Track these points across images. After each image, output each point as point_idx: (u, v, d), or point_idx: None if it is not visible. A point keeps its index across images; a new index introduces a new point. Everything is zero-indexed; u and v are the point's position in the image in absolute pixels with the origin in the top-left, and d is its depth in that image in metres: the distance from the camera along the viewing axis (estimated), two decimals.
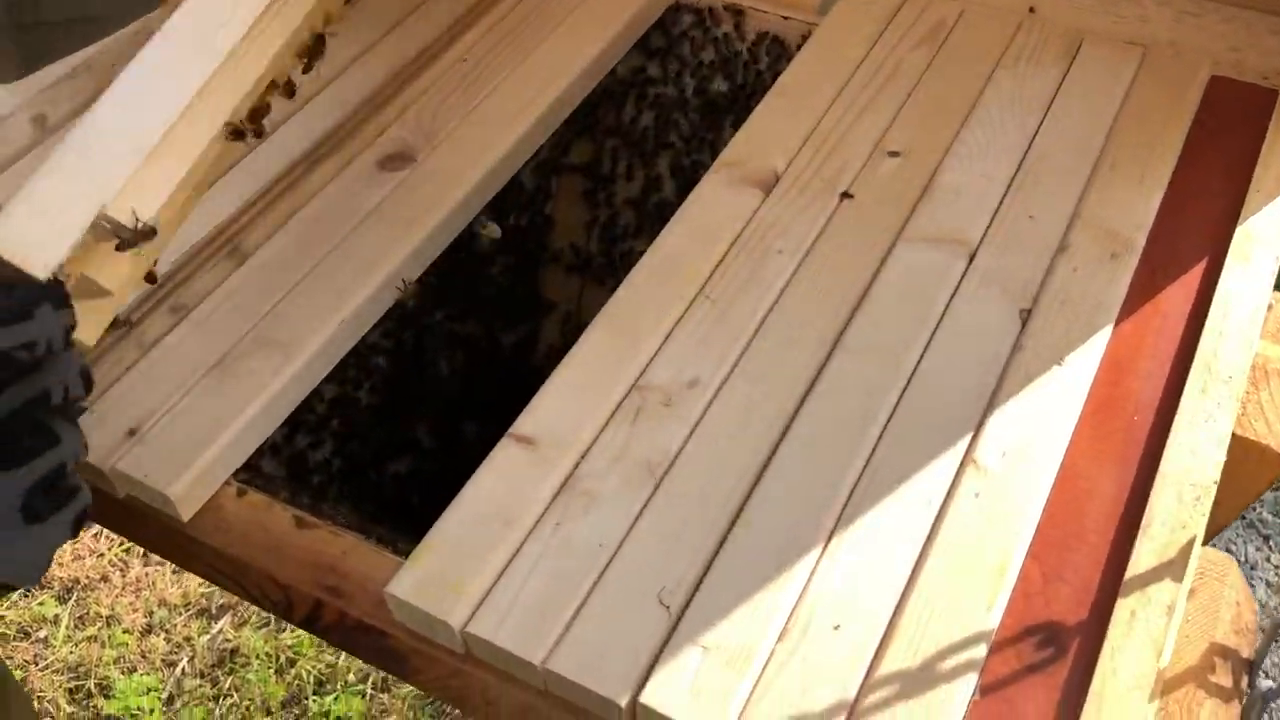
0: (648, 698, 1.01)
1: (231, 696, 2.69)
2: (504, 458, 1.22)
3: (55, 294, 0.84)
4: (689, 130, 1.90)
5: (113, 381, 1.33)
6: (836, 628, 1.04)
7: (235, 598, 2.04)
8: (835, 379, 1.25)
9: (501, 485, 1.19)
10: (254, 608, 2.35)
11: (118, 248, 1.07)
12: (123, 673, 2.75)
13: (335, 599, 1.21)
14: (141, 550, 2.90)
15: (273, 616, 2.57)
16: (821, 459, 1.18)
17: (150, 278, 1.22)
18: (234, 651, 2.77)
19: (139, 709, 2.71)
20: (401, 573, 1.14)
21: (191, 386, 1.32)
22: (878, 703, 1.00)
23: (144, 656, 2.78)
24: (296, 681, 2.69)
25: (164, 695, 2.72)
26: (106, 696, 2.72)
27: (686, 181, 1.92)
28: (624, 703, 1.02)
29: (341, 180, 1.51)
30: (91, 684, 2.73)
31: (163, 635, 2.79)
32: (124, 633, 2.79)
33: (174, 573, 2.88)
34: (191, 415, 1.29)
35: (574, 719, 1.07)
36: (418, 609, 1.11)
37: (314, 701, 2.65)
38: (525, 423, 1.24)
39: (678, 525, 1.13)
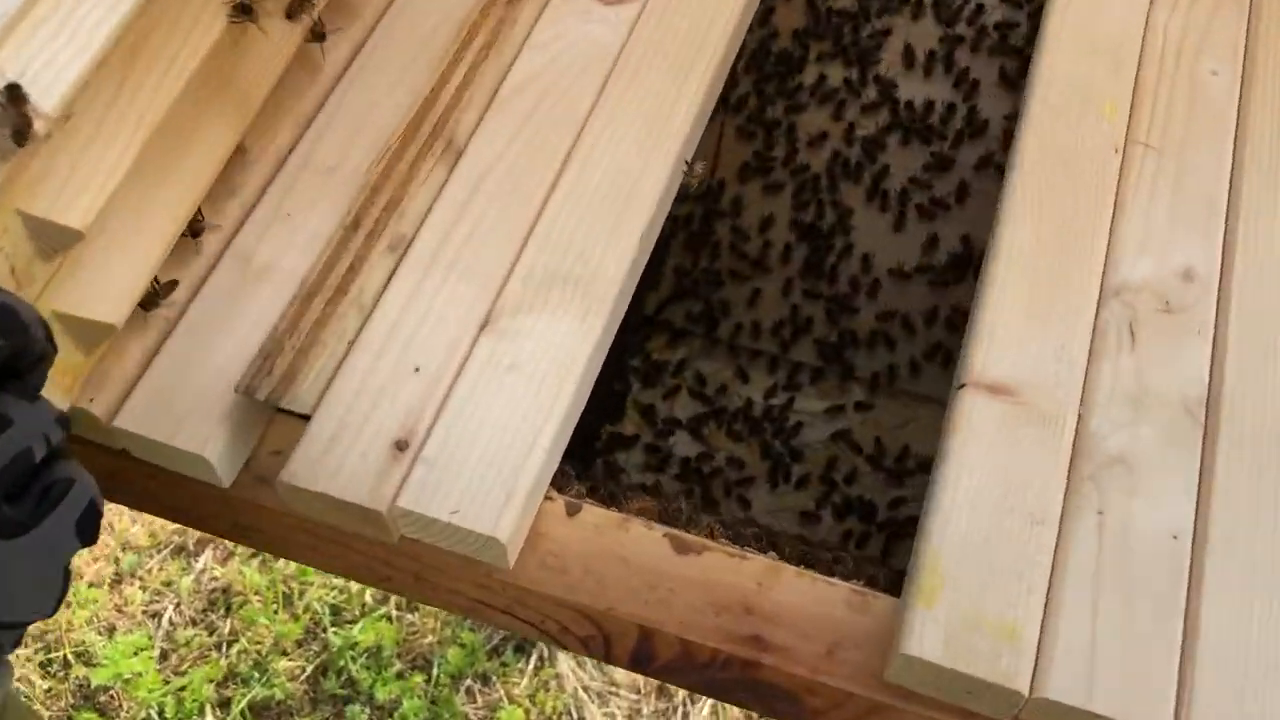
0: None
1: (237, 641, 2.26)
2: (980, 419, 0.86)
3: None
4: None
5: (339, 362, 0.88)
6: None
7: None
8: None
9: (999, 460, 0.84)
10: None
11: None
12: (100, 634, 2.27)
13: (763, 653, 0.84)
14: None
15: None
16: None
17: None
18: (226, 590, 2.33)
19: (132, 674, 2.26)
20: (913, 621, 0.78)
21: (465, 357, 0.88)
22: None
23: (121, 611, 2.30)
24: (308, 614, 2.28)
25: (155, 653, 2.27)
26: (89, 664, 2.25)
27: None
28: None
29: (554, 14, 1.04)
30: (67, 652, 2.24)
31: (137, 584, 2.31)
32: (90, 587, 2.30)
33: (131, 510, 2.38)
34: (481, 405, 0.86)
35: None
36: (957, 673, 0.77)
37: (334, 634, 2.26)
38: (987, 364, 0.88)
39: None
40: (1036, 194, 0.96)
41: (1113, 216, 0.95)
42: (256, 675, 2.25)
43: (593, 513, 0.88)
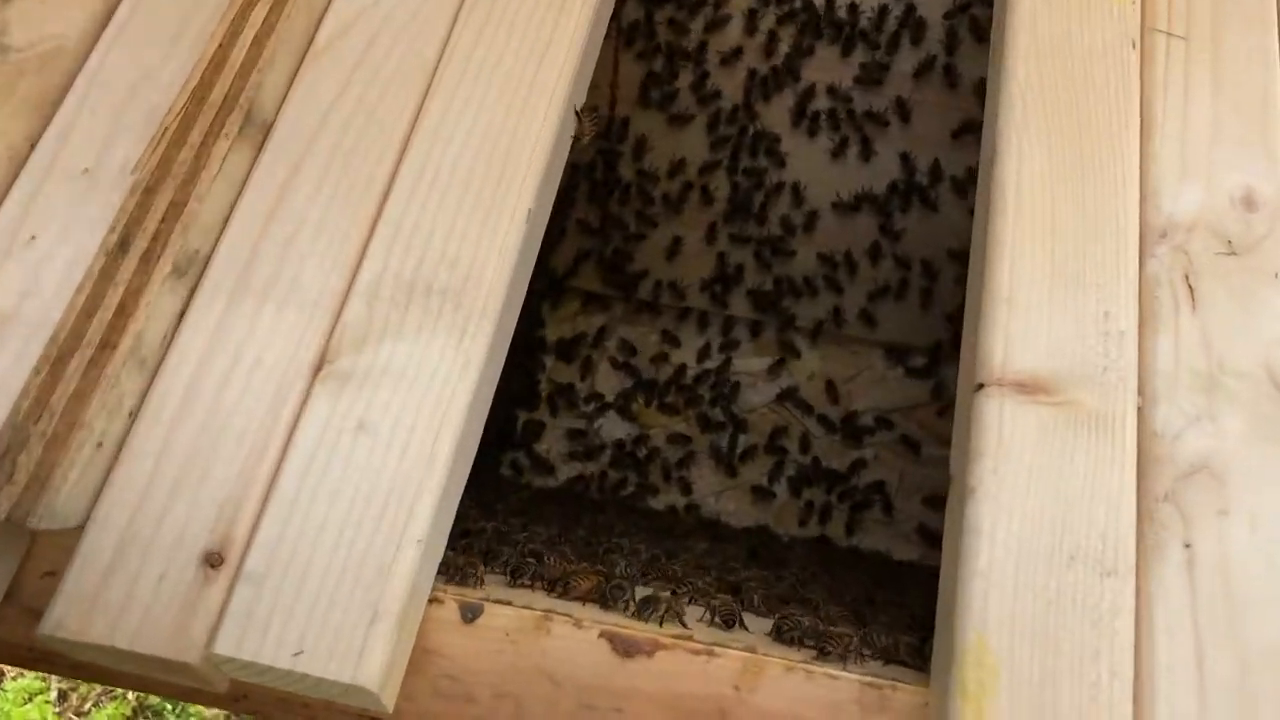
0: None
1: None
2: (1012, 431, 0.60)
3: None
4: None
5: (115, 449, 0.60)
6: None
7: None
8: None
9: (1046, 489, 0.59)
10: None
11: None
12: None
13: None
14: None
15: None
16: None
17: None
18: None
19: None
20: None
21: (294, 420, 0.60)
22: None
23: None
24: None
25: (52, 695, 1.99)
26: None
27: None
28: None
29: None
30: None
31: None
32: None
33: None
34: (323, 487, 0.59)
35: None
36: None
37: None
38: (1010, 353, 0.62)
39: None
40: (1039, 113, 0.69)
41: (1141, 133, 0.69)
42: (169, 708, 1.97)
43: (498, 613, 0.62)
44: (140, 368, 0.61)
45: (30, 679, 2.00)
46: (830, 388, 1.37)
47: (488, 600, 0.62)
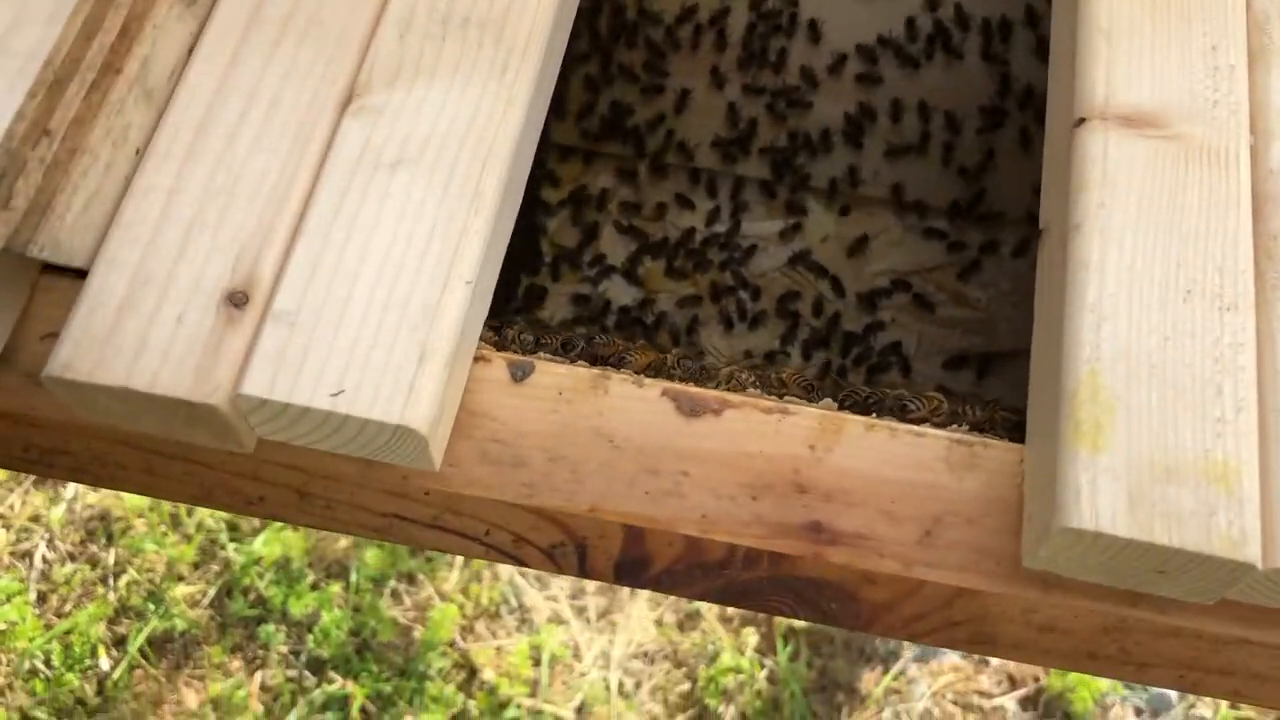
0: None
1: (125, 572, 1.91)
2: (1119, 164, 0.54)
3: None
4: None
5: (124, 181, 0.53)
6: None
7: None
8: None
9: (1159, 222, 0.53)
10: None
11: None
12: None
13: (828, 547, 0.54)
14: None
15: None
16: None
17: None
18: (104, 517, 1.97)
19: (6, 624, 1.90)
20: (1074, 475, 0.48)
21: (323, 155, 0.54)
22: None
23: None
24: (201, 533, 1.94)
25: (31, 596, 1.92)
26: None
27: None
28: None
29: None
30: None
31: None
32: None
33: None
34: (358, 223, 0.53)
35: None
36: (1150, 546, 0.47)
37: (234, 550, 1.92)
38: (1114, 84, 0.56)
39: None
40: None
41: None
42: (152, 607, 1.91)
43: (551, 371, 0.55)
44: (147, 100, 0.54)
45: (8, 580, 1.93)
46: (847, 250, 1.31)
47: (539, 359, 0.56)
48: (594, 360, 0.61)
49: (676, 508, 0.54)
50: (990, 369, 1.24)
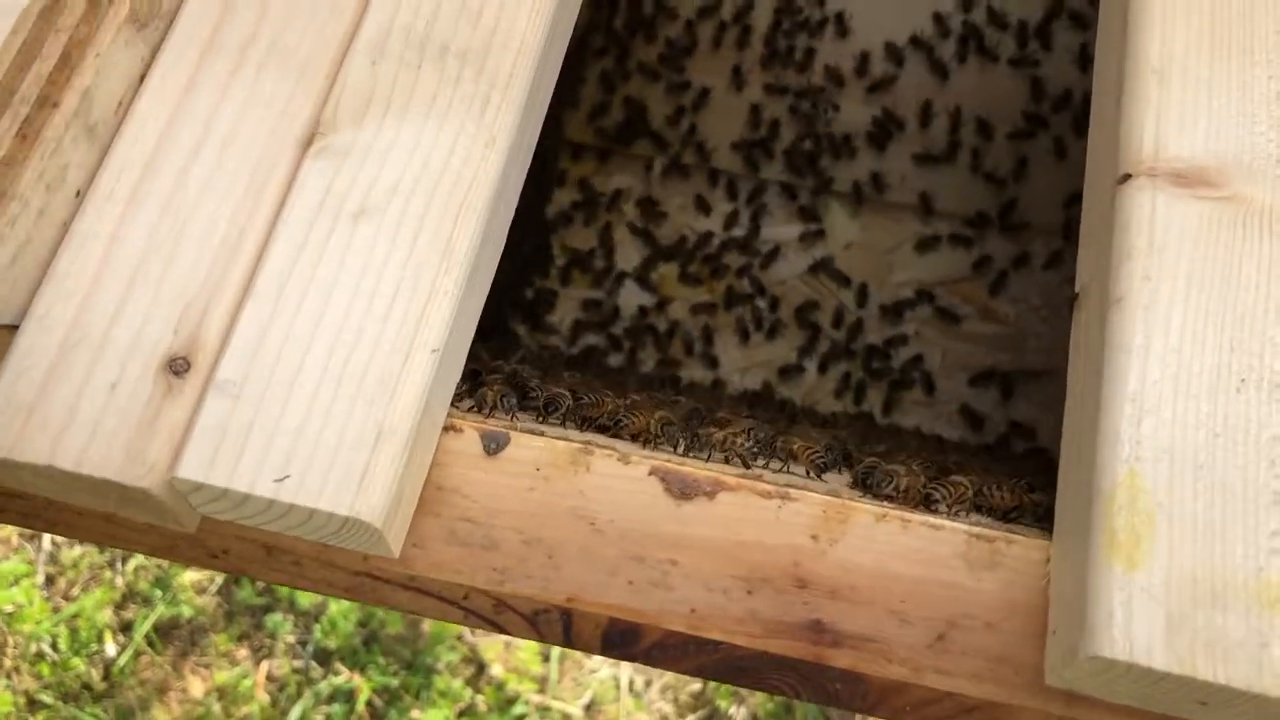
0: None
1: (133, 557, 1.88)
2: (1168, 230, 0.48)
3: None
4: None
5: (59, 227, 0.47)
6: None
7: None
8: None
9: (1209, 300, 0.47)
10: None
11: None
12: None
13: (830, 649, 0.48)
14: None
15: None
16: None
17: None
18: None
19: (14, 606, 1.87)
20: (1106, 595, 0.42)
21: (280, 202, 0.48)
22: None
23: None
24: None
25: (39, 579, 1.89)
26: None
27: None
28: None
29: None
30: None
31: None
32: None
33: None
34: (315, 283, 0.47)
35: None
36: (1189, 680, 0.41)
37: None
38: (1165, 135, 0.50)
39: None
40: None
41: None
42: (159, 593, 1.88)
43: (527, 444, 0.50)
44: (89, 136, 0.49)
45: (16, 562, 1.91)
46: (870, 258, 1.25)
47: (515, 429, 0.50)
48: (582, 422, 0.55)
49: (663, 600, 0.49)
50: (1017, 387, 1.18)
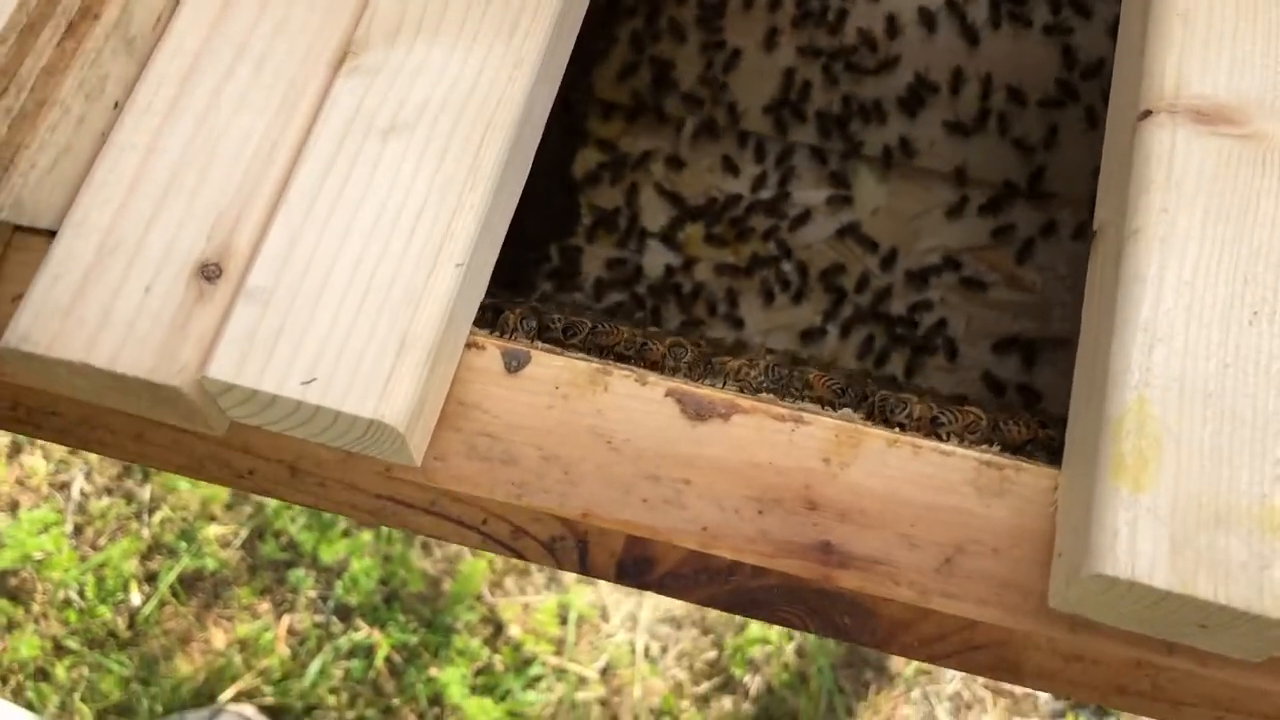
0: None
1: (159, 509, 1.92)
2: (1186, 165, 0.48)
3: None
4: None
5: (97, 138, 0.49)
6: None
7: None
8: None
9: (1224, 233, 0.47)
10: None
11: None
12: (1, 510, 1.93)
13: (837, 570, 0.49)
14: None
15: None
16: None
17: None
18: None
19: (43, 553, 1.91)
20: (1112, 514, 0.42)
21: (312, 117, 0.49)
22: None
23: (23, 485, 1.94)
24: None
25: (68, 528, 1.93)
26: None
27: None
28: None
29: None
30: None
31: (39, 452, 1.94)
32: None
33: None
34: (344, 194, 0.48)
35: None
36: (1191, 600, 0.42)
37: None
38: (1186, 71, 0.50)
39: None
40: None
41: None
42: (184, 545, 1.91)
43: (547, 364, 0.51)
44: (127, 49, 0.50)
45: (46, 510, 1.94)
46: (897, 223, 1.25)
47: (535, 348, 0.51)
48: (600, 351, 0.56)
49: (676, 518, 0.50)
50: (1040, 355, 1.18)
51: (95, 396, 0.49)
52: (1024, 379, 1.18)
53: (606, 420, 0.50)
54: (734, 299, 1.24)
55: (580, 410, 0.51)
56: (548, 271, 1.25)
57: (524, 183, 0.53)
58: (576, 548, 0.56)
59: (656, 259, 1.26)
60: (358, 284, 0.47)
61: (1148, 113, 0.49)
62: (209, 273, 0.47)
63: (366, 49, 0.51)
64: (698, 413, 0.50)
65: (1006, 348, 1.19)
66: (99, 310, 0.46)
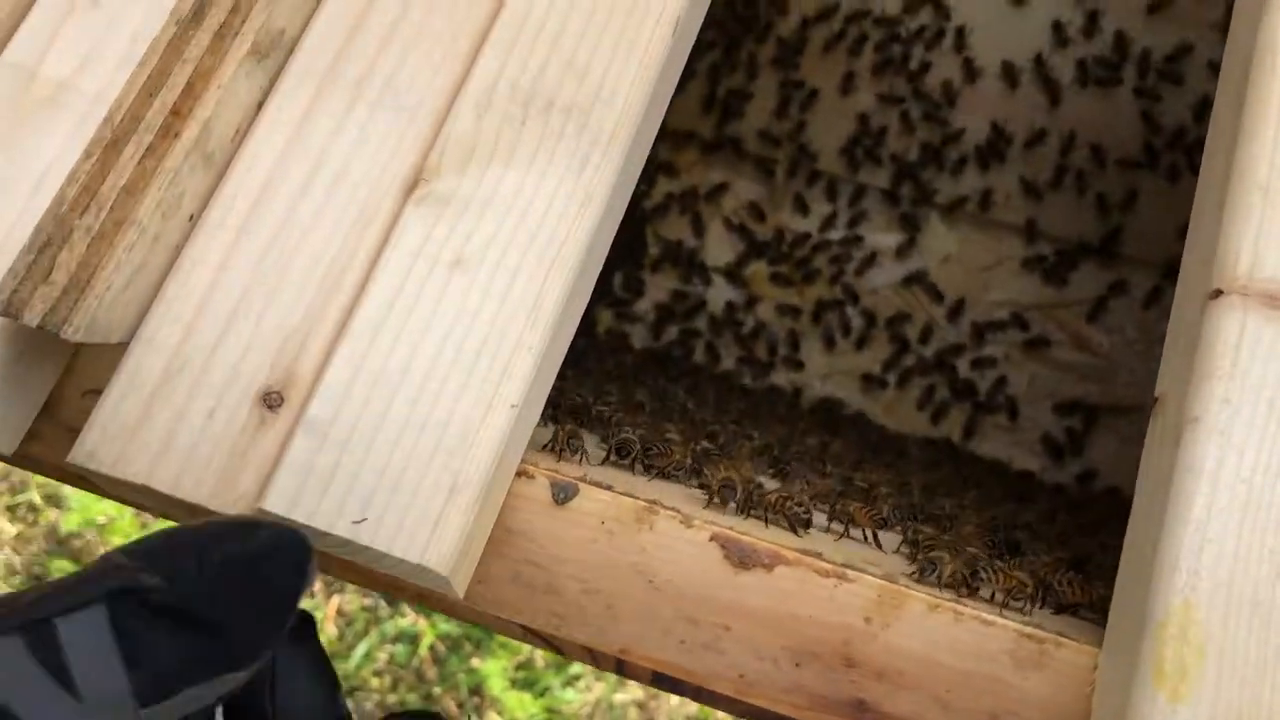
0: None
1: None
2: (1253, 353, 0.47)
3: None
4: None
5: (171, 254, 0.50)
6: None
7: None
8: None
9: None
10: None
11: None
12: None
13: None
14: None
15: None
16: None
17: None
18: None
19: (105, 518, 1.97)
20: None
21: (380, 245, 0.50)
22: None
23: None
24: None
25: None
26: (58, 508, 1.96)
27: None
28: None
29: None
30: (34, 496, 1.95)
31: None
32: None
33: None
34: (407, 327, 0.49)
35: None
36: None
37: None
38: (1263, 252, 0.49)
39: None
40: None
41: None
42: None
43: (595, 498, 0.52)
44: (206, 164, 0.51)
45: None
46: (966, 275, 1.24)
47: (584, 481, 0.52)
48: (648, 470, 0.57)
49: (713, 663, 0.51)
50: (1100, 421, 1.17)
51: (157, 509, 0.50)
52: (1085, 451, 1.16)
53: (650, 559, 0.51)
54: (795, 341, 1.24)
55: (624, 547, 0.51)
56: (609, 300, 1.25)
57: (582, 314, 0.54)
58: (614, 658, 0.57)
59: (719, 294, 1.26)
60: (415, 421, 0.48)
61: (1219, 292, 0.48)
62: (271, 401, 0.48)
63: (439, 175, 0.51)
64: (741, 560, 0.51)
65: (1069, 410, 1.18)
66: (164, 432, 0.48)
